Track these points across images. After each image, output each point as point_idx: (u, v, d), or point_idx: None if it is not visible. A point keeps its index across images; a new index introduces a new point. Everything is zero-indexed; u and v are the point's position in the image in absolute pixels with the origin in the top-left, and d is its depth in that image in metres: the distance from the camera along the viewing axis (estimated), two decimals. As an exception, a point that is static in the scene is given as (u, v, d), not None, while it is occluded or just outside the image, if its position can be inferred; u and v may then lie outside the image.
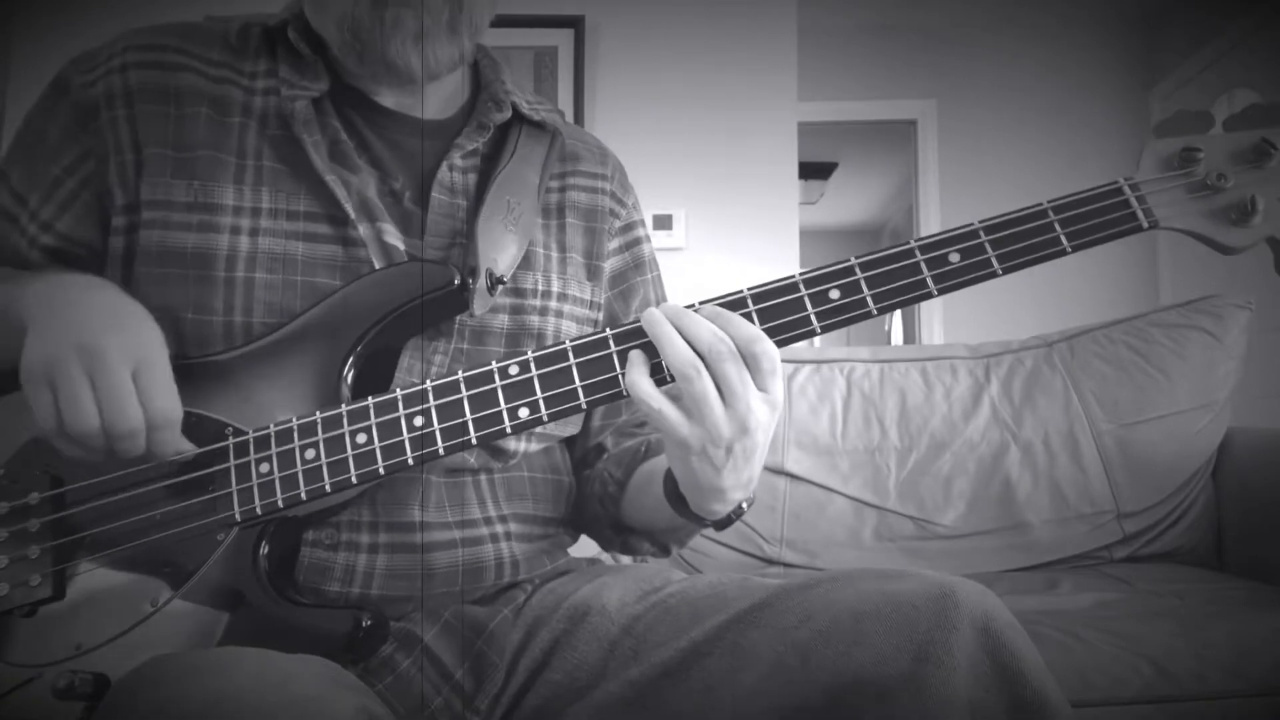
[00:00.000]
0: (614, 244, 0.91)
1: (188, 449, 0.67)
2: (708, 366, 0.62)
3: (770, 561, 1.72)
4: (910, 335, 6.07)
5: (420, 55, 0.74)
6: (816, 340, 0.84)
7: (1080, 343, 1.82)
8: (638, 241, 0.94)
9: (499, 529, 0.78)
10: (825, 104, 4.03)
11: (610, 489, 0.85)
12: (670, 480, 0.73)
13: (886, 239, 7.19)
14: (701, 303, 0.66)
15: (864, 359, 1.86)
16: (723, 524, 0.73)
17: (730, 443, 0.63)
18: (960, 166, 4.09)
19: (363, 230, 0.74)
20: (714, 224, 2.69)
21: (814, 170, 5.86)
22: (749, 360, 0.62)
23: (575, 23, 2.65)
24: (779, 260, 2.74)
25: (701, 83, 2.74)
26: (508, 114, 0.84)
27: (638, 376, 0.64)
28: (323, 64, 0.78)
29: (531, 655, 0.75)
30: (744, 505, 0.72)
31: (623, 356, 0.66)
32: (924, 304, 4.11)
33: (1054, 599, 1.43)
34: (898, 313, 5.21)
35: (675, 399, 0.64)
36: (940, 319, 4.08)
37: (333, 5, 0.74)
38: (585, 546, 0.93)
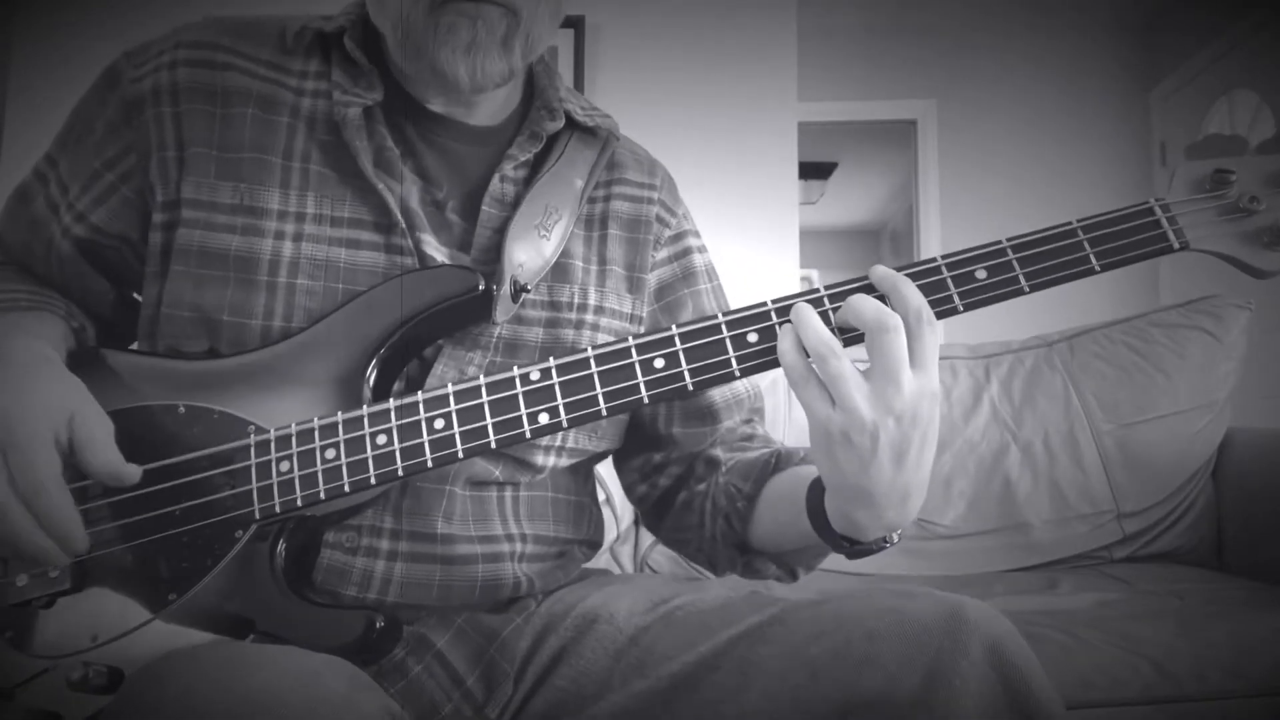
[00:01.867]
0: (662, 254, 0.87)
1: (123, 470, 0.65)
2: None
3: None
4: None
5: (469, 67, 0.71)
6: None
7: (1080, 343, 1.83)
8: (688, 252, 0.90)
9: (518, 547, 0.77)
10: (825, 104, 4.04)
11: (739, 504, 0.79)
12: (816, 493, 0.69)
13: (886, 239, 7.19)
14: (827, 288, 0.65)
15: (864, 359, 1.86)
16: (860, 552, 0.67)
17: (874, 427, 0.60)
18: (960, 166, 4.09)
19: (406, 239, 0.74)
20: (714, 224, 2.67)
21: (814, 170, 5.86)
22: (909, 331, 0.60)
23: (575, 23, 2.66)
24: (779, 260, 2.75)
25: (701, 83, 2.74)
26: (561, 123, 0.82)
27: (787, 347, 0.62)
28: (378, 73, 0.77)
29: (539, 662, 0.75)
30: (895, 536, 0.66)
31: (644, 365, 0.65)
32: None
33: (1054, 599, 1.43)
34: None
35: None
36: (939, 319, 4.08)
37: (391, 4, 0.72)
38: (596, 560, 0.91)
